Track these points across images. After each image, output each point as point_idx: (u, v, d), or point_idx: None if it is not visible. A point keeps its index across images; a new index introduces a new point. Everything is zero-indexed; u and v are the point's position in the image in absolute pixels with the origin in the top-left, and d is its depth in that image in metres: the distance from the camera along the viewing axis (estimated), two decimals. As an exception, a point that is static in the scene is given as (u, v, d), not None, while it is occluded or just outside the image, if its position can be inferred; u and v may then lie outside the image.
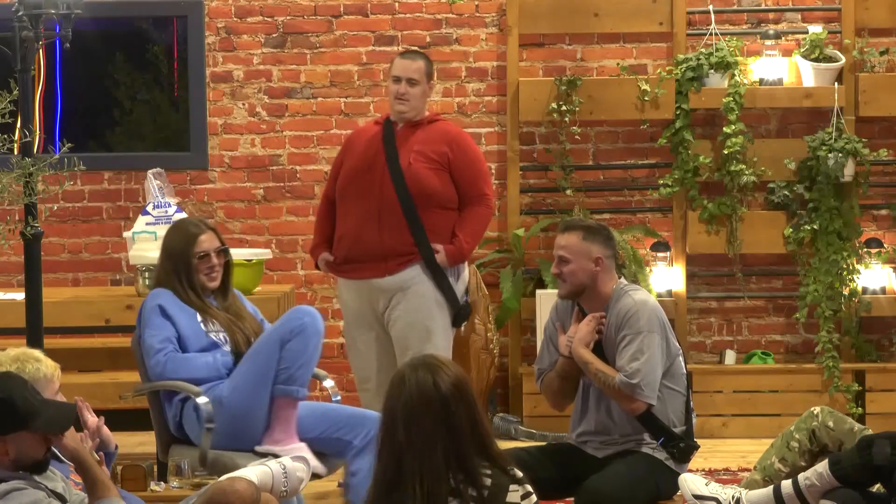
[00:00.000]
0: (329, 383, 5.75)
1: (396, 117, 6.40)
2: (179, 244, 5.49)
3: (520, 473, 3.65)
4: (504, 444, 6.16)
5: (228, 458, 5.17)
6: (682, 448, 5.11)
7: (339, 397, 5.77)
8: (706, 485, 5.06)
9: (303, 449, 5.22)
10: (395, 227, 6.25)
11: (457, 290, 6.40)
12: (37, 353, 4.54)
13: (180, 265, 5.46)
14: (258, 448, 5.24)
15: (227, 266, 5.55)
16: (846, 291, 7.81)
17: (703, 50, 7.86)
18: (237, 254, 6.48)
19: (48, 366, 4.44)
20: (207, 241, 5.49)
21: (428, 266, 6.30)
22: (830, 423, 5.22)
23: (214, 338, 5.41)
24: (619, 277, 5.22)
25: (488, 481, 3.57)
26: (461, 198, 6.36)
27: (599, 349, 5.13)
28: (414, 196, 6.24)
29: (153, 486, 5.22)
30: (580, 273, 5.11)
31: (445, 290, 6.33)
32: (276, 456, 5.04)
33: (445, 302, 6.35)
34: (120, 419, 6.97)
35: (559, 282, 5.18)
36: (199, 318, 5.42)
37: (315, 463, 5.19)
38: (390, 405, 3.59)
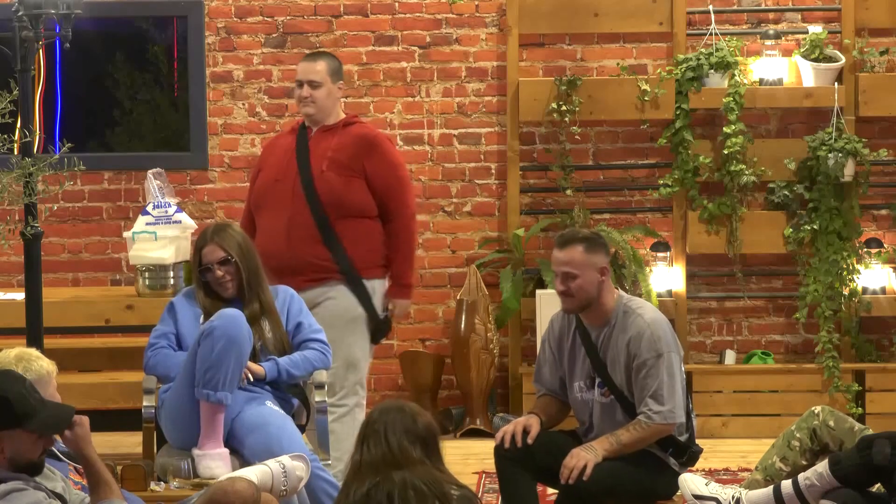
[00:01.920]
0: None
1: (307, 121, 6.23)
2: (194, 251, 5.55)
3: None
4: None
5: (176, 455, 5.30)
6: (688, 456, 5.13)
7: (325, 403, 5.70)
8: (706, 485, 5.07)
9: (223, 456, 5.16)
10: (305, 240, 6.04)
11: (375, 305, 6.17)
12: (35, 351, 4.55)
13: (194, 274, 5.54)
14: (193, 451, 5.23)
15: (239, 272, 5.46)
16: (846, 291, 7.81)
17: (703, 50, 7.86)
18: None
19: (48, 363, 4.46)
20: (209, 254, 5.46)
21: (348, 281, 6.10)
22: (831, 423, 5.22)
23: None
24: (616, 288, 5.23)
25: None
26: (381, 210, 6.14)
27: (598, 361, 5.12)
28: (325, 206, 6.05)
29: (153, 486, 5.22)
30: (588, 286, 5.05)
31: (366, 305, 6.13)
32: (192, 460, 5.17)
33: (366, 317, 6.14)
34: (120, 419, 7.00)
35: (564, 297, 5.09)
36: (202, 319, 5.42)
37: (218, 475, 5.12)
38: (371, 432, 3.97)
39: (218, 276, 5.44)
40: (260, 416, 5.28)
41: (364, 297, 6.13)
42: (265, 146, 6.53)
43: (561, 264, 5.06)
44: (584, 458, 4.92)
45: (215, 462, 5.13)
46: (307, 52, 8.03)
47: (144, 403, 5.42)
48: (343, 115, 6.29)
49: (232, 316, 5.25)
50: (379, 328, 6.22)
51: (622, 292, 5.22)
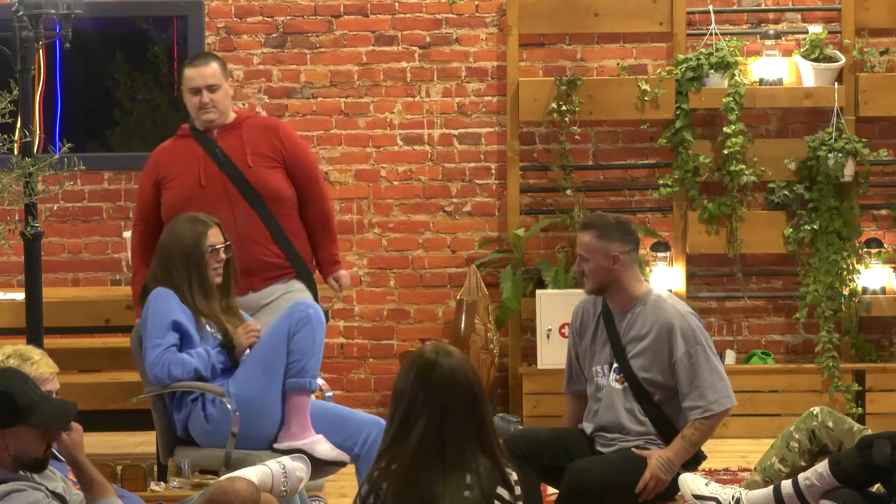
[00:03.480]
0: (319, 381, 5.71)
1: (205, 126, 6.01)
2: (190, 239, 5.35)
3: (513, 477, 3.72)
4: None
5: (256, 458, 5.03)
6: (693, 457, 5.14)
7: (331, 394, 5.73)
8: (706, 485, 5.07)
9: (321, 441, 5.18)
10: (256, 239, 5.91)
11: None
12: (35, 353, 4.52)
13: (192, 261, 5.33)
14: (277, 445, 5.19)
15: (228, 263, 5.45)
16: (846, 291, 7.81)
17: (703, 50, 7.86)
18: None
19: (41, 367, 4.43)
20: (215, 236, 5.39)
21: (300, 276, 6.02)
22: (830, 423, 5.22)
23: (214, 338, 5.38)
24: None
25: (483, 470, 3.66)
26: (301, 193, 6.01)
27: (619, 346, 5.15)
28: (267, 200, 5.91)
29: (153, 486, 5.23)
30: (598, 271, 5.13)
31: (316, 299, 6.01)
32: (297, 451, 5.04)
33: None
34: (120, 419, 7.00)
35: (583, 278, 5.20)
36: (195, 318, 5.37)
37: (337, 452, 5.19)
38: (419, 385, 3.64)
39: (220, 259, 5.38)
40: (324, 407, 5.39)
41: (315, 292, 6.08)
42: (158, 157, 6.09)
43: (577, 247, 5.20)
44: (663, 482, 4.99)
45: (327, 444, 5.16)
46: (307, 51, 8.06)
47: (227, 401, 5.16)
48: (233, 112, 6.11)
49: (315, 305, 5.32)
50: None
51: (650, 285, 5.27)
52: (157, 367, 5.20)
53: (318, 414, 5.34)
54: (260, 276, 5.88)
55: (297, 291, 5.99)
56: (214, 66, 5.98)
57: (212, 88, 5.95)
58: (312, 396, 5.43)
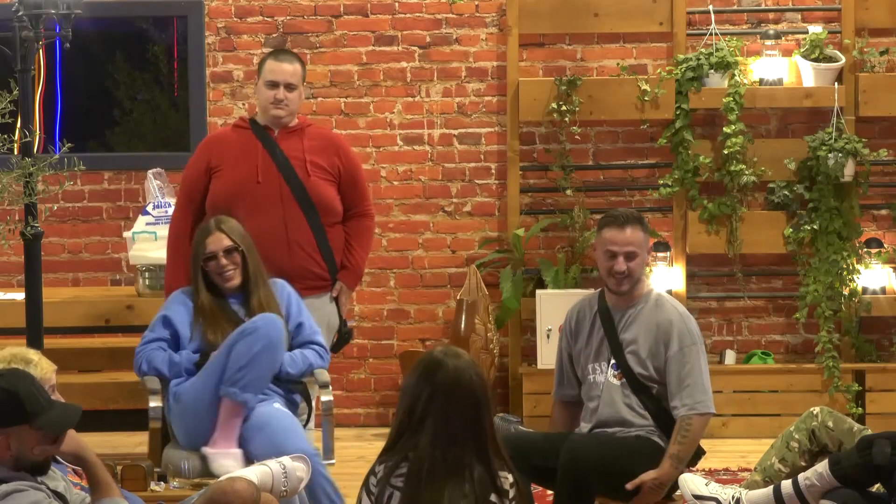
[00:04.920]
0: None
1: (270, 122, 5.99)
2: (195, 245, 5.52)
3: (509, 481, 3.73)
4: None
5: (177, 457, 5.28)
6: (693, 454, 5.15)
7: (329, 399, 5.67)
8: (706, 485, 5.07)
9: (236, 456, 5.15)
10: (303, 246, 5.89)
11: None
12: (32, 354, 4.53)
13: (196, 266, 5.49)
14: (203, 449, 5.22)
15: (245, 263, 5.48)
16: (846, 291, 7.81)
17: (703, 50, 7.86)
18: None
19: (42, 367, 4.44)
20: (214, 243, 5.45)
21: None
22: (830, 423, 5.22)
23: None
24: None
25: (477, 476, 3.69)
26: (348, 209, 6.02)
27: (616, 343, 5.15)
28: (320, 211, 5.90)
29: (153, 486, 5.23)
30: (643, 264, 5.17)
31: (340, 315, 6.06)
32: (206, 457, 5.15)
33: (336, 327, 6.05)
34: (120, 419, 7.01)
35: (619, 279, 5.13)
36: (193, 317, 5.43)
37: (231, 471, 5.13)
38: (424, 382, 3.67)
39: (223, 264, 5.44)
40: (267, 416, 5.26)
41: (340, 309, 6.09)
42: (210, 143, 6.11)
43: (624, 244, 5.11)
44: (655, 498, 5.03)
45: (229, 461, 5.12)
46: (307, 51, 8.05)
47: (151, 404, 5.35)
48: (297, 117, 6.10)
49: (273, 320, 5.29)
50: (344, 338, 6.15)
51: (652, 286, 5.29)
52: (135, 358, 5.48)
53: (260, 424, 5.25)
54: (300, 283, 5.85)
55: (323, 309, 5.97)
56: (297, 66, 6.01)
57: (290, 87, 5.96)
58: (280, 406, 5.35)
